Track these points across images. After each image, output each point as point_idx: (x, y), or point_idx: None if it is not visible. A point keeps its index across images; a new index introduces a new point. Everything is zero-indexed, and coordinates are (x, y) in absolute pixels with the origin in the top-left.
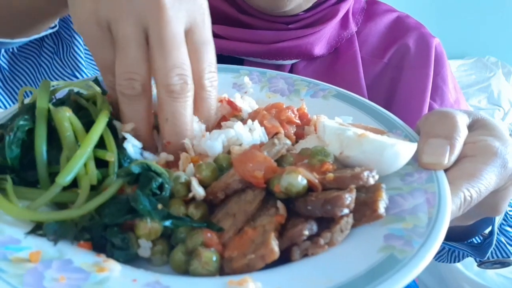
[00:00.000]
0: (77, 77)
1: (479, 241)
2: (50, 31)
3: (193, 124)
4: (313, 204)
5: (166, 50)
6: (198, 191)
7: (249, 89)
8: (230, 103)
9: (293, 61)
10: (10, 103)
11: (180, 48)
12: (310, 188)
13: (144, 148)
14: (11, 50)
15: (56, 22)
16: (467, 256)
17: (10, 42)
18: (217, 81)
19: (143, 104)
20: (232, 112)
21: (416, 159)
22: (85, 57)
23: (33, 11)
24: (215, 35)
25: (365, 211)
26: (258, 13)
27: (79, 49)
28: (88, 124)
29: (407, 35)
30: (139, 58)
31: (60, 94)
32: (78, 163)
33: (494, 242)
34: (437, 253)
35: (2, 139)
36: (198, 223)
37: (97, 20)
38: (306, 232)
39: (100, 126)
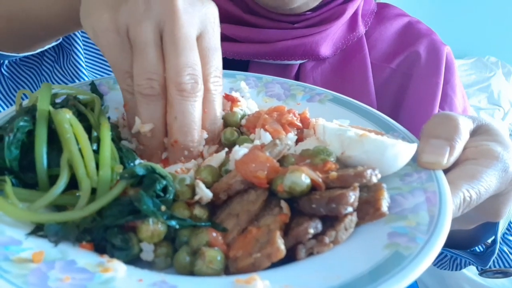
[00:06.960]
0: None
1: (482, 249)
2: (54, 43)
3: (200, 127)
4: (317, 203)
5: (179, 50)
6: (206, 193)
7: (246, 93)
8: (228, 96)
9: (299, 61)
10: None
11: (192, 50)
12: (313, 187)
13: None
14: (14, 60)
15: None
16: (469, 264)
17: (16, 55)
18: (222, 87)
19: (160, 104)
20: (231, 105)
21: (415, 160)
22: (85, 65)
23: (46, 29)
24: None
25: (368, 209)
26: (264, 12)
27: (79, 57)
28: (87, 128)
29: (418, 42)
30: (157, 59)
31: (57, 101)
32: (107, 182)
33: (497, 251)
34: (439, 260)
35: (1, 140)
36: (203, 223)
37: (117, 28)
38: (311, 231)
39: (107, 142)
